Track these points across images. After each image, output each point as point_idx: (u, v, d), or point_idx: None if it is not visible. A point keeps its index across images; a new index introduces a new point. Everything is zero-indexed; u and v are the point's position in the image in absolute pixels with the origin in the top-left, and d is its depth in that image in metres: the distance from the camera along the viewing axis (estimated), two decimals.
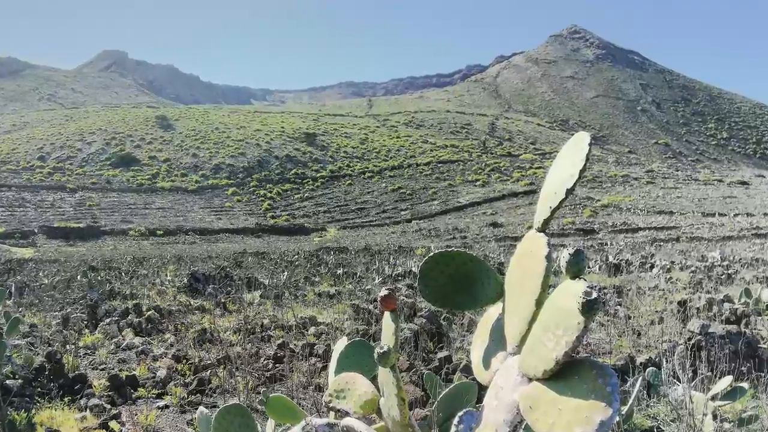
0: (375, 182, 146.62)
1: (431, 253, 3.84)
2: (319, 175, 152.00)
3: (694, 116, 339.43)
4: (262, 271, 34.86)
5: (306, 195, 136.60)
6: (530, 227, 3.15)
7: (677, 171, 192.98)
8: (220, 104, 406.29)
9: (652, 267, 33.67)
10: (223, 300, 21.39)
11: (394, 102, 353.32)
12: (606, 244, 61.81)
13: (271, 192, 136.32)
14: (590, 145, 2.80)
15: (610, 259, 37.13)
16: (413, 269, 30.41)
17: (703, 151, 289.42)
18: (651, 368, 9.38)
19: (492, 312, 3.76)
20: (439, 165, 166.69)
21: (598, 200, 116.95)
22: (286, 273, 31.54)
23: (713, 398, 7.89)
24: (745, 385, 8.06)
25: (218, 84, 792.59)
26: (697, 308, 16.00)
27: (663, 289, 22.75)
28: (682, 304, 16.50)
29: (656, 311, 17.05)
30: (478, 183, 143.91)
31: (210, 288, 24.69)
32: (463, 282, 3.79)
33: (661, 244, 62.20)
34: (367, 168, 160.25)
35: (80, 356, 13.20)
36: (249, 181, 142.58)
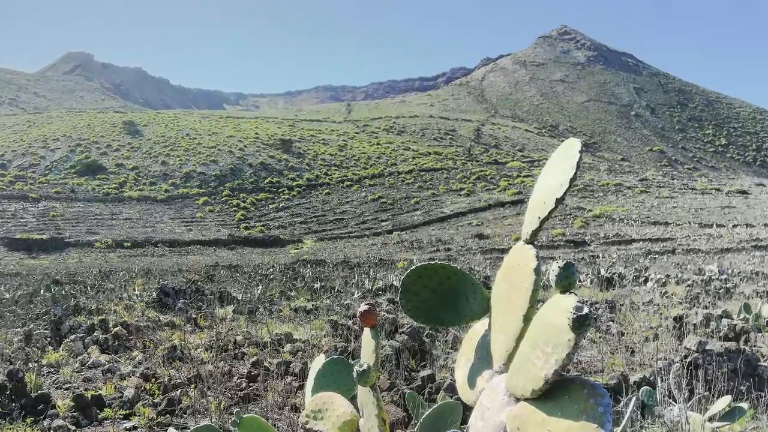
0: (354, 191, 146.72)
1: (413, 266, 3.85)
2: (295, 183, 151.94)
3: (691, 122, 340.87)
4: (235, 285, 34.79)
5: (281, 205, 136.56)
6: (518, 239, 3.16)
7: (673, 179, 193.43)
8: (190, 109, 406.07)
9: (646, 281, 33.76)
10: (194, 315, 21.33)
11: (374, 107, 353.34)
12: (598, 257, 61.94)
13: (244, 202, 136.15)
14: (581, 152, 2.81)
15: (602, 272, 37.21)
16: (394, 283, 30.41)
17: (700, 159, 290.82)
18: (645, 387, 9.39)
19: (477, 328, 3.77)
20: (422, 173, 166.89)
21: (590, 210, 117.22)
22: (260, 287, 31.48)
23: (711, 419, 7.90)
24: (744, 405, 8.08)
25: (189, 88, 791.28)
26: (694, 324, 16.05)
27: (658, 304, 22.80)
28: (678, 319, 16.54)
29: (651, 327, 17.08)
30: (462, 192, 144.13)
31: (180, 303, 24.63)
32: (447, 297, 3.81)
33: (656, 256, 62.35)
34: (346, 176, 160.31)
35: (43, 375, 13.15)
36: (221, 190, 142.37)
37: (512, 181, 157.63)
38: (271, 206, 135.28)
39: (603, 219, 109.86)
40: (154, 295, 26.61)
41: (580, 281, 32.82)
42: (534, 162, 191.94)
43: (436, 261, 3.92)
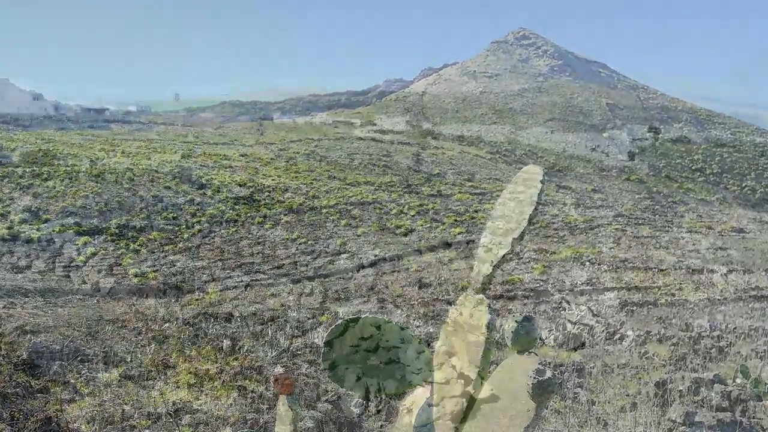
0: (268, 229, 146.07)
1: (340, 321, 3.88)
2: (195, 220, 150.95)
3: (677, 145, 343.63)
4: (123, 343, 34.66)
5: (180, 246, 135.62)
6: (467, 287, 3.19)
7: (654, 215, 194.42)
8: (67, 128, 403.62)
9: (621, 338, 33.98)
10: (72, 380, 21.22)
11: (292, 127, 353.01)
12: (563, 309, 62.28)
13: (134, 242, 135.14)
14: (543, 182, 2.86)
15: (569, 328, 37.41)
16: (317, 341, 30.47)
17: (688, 190, 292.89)
18: None
19: (418, 395, 3.80)
20: (350, 208, 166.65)
21: (554, 253, 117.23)
22: (153, 346, 31.43)
23: None
24: None
25: (67, 103, 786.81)
26: (680, 391, 16.18)
27: (636, 367, 22.96)
28: (661, 385, 16.67)
29: (627, 395, 17.20)
30: (399, 231, 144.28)
31: (56, 365, 24.49)
32: (381, 357, 3.82)
33: (634, 308, 62.55)
34: (258, 211, 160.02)
35: None
36: (106, 228, 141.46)
37: (459, 217, 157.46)
38: (166, 247, 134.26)
39: (570, 263, 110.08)
40: (24, 355, 26.46)
41: (541, 339, 33.03)
42: (485, 194, 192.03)
43: (367, 314, 3.94)
